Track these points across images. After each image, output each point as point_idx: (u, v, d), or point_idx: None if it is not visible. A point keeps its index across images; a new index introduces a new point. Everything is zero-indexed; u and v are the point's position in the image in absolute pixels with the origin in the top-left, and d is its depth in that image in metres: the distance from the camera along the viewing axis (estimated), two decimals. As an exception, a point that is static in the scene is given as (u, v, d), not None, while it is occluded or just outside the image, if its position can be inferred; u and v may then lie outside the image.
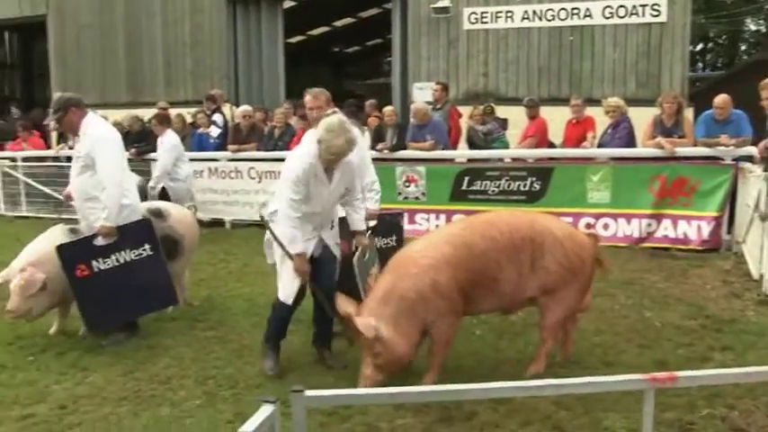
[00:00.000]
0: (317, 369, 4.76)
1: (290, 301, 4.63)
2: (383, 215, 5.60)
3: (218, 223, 10.36)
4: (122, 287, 5.24)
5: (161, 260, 5.45)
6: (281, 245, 4.55)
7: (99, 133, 5.26)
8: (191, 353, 5.11)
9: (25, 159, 12.20)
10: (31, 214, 11.88)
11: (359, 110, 10.71)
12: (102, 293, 5.20)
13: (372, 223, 5.24)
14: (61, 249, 5.18)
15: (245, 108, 10.92)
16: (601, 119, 9.06)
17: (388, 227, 5.62)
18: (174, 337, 5.43)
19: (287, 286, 4.63)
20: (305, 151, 4.47)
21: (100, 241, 5.20)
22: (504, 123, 10.28)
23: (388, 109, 10.35)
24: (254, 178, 10.04)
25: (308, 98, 5.15)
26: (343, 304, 4.25)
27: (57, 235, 5.54)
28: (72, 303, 5.53)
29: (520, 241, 4.30)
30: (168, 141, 8.89)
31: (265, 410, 1.94)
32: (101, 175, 5.16)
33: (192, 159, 9.92)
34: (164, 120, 9.37)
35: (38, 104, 19.20)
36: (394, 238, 5.63)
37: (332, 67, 28.49)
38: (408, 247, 4.56)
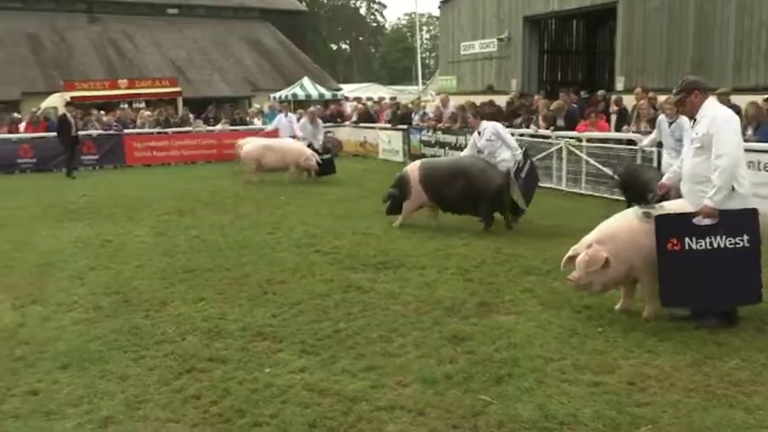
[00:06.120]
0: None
1: None
2: None
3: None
4: (708, 271, 5.12)
5: (757, 255, 5.13)
6: None
7: (719, 113, 5.22)
8: (763, 358, 4.69)
9: (589, 140, 12.81)
10: (587, 192, 12.50)
11: None
12: (685, 272, 5.15)
13: None
14: (659, 220, 5.24)
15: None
16: None
17: None
18: (744, 338, 5.05)
19: None
20: None
21: (700, 220, 5.12)
22: None
23: None
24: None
25: None
26: None
27: (629, 216, 5.66)
28: (637, 284, 5.61)
29: None
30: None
31: None
32: (716, 152, 5.05)
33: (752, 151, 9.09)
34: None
35: (598, 89, 20.06)
36: None
37: None
38: None
